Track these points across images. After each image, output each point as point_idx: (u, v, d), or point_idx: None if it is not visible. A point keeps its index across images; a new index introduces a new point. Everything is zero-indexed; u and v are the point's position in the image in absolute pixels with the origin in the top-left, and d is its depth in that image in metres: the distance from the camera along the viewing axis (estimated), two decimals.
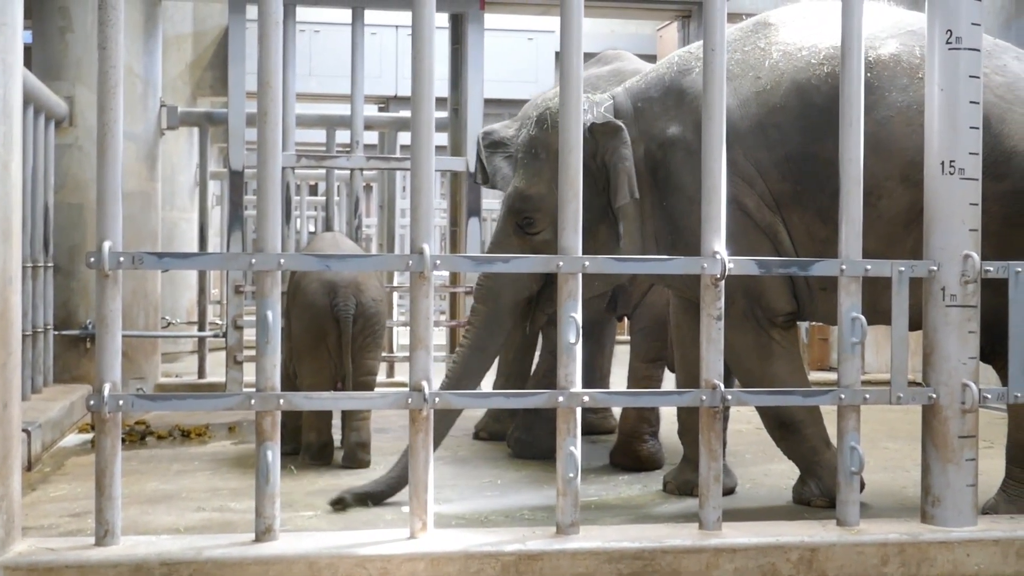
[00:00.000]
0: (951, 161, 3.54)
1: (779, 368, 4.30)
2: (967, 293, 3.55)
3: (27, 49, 7.01)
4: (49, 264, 6.47)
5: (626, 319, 5.96)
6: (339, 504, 4.31)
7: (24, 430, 4.86)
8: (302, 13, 7.67)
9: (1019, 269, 3.60)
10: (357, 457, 5.23)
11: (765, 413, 4.45)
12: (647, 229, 4.46)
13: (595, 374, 5.88)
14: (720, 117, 3.52)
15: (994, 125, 3.86)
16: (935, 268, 3.56)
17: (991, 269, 3.58)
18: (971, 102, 3.54)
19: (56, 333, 6.79)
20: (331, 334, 5.09)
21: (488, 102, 7.71)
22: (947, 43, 3.55)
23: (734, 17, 7.77)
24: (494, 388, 5.65)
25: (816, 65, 4.12)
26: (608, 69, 5.59)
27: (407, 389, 3.33)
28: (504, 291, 4.46)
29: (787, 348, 4.33)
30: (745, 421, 6.53)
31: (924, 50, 3.86)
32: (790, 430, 4.39)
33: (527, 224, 4.51)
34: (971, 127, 3.54)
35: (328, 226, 8.07)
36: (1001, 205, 3.85)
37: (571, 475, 3.37)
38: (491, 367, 4.71)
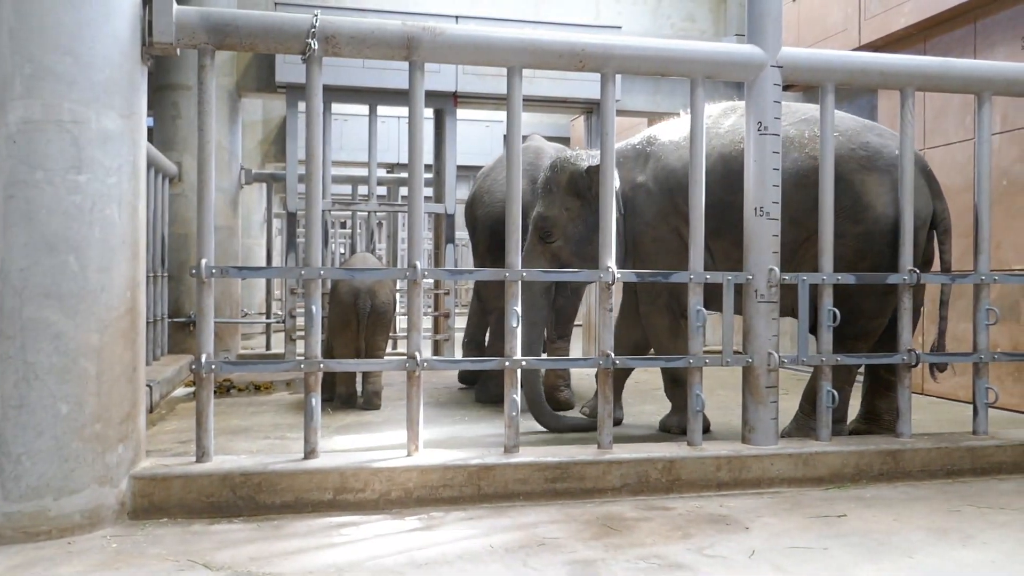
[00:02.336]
0: (761, 207, 3.57)
1: (681, 344, 4.24)
2: (771, 294, 3.59)
3: (150, 130, 6.98)
4: (164, 274, 6.40)
5: None
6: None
7: (148, 385, 4.80)
8: (336, 107, 7.64)
9: (804, 278, 3.64)
10: (372, 402, 5.24)
11: (665, 372, 4.52)
12: (619, 241, 4.37)
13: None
14: (611, 176, 3.53)
15: (857, 187, 3.81)
16: (751, 277, 3.60)
17: (786, 278, 3.62)
18: (773, 169, 3.57)
19: (169, 320, 6.72)
20: (354, 322, 5.09)
21: (459, 168, 7.73)
22: (758, 131, 3.59)
23: (622, 112, 7.89)
24: (463, 355, 5.66)
25: (736, 142, 4.00)
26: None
27: (406, 357, 3.33)
28: (535, 283, 4.39)
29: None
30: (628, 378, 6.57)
31: (812, 132, 3.88)
32: (678, 383, 4.42)
33: (546, 236, 4.48)
34: (773, 185, 3.57)
35: (353, 249, 8.05)
36: (856, 242, 3.83)
37: (513, 414, 3.38)
38: (544, 330, 4.68)
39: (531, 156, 5.45)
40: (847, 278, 3.67)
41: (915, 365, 3.74)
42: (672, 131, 4.39)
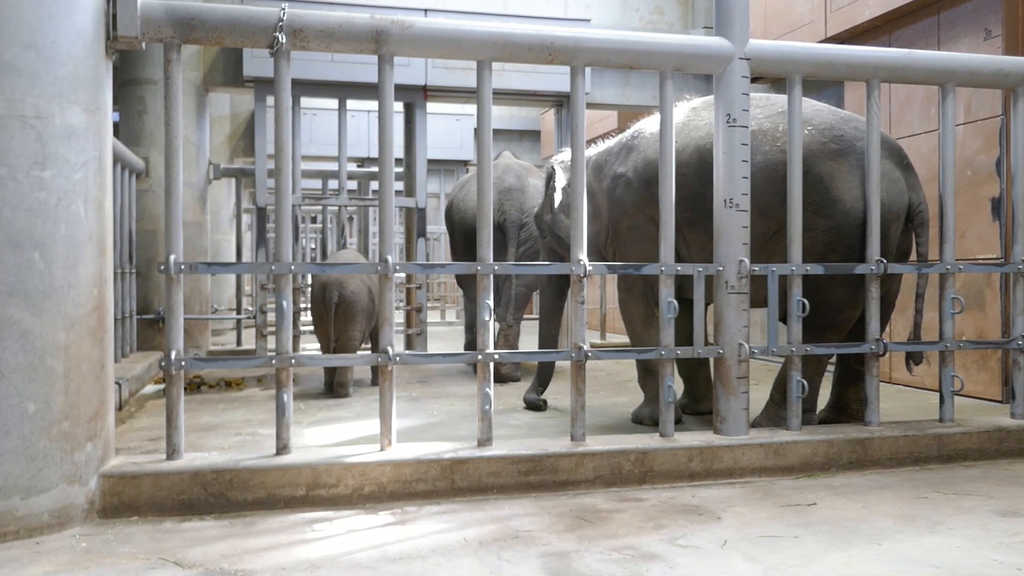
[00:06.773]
0: (731, 199, 3.59)
1: (653, 333, 4.27)
2: (741, 285, 3.61)
3: (116, 125, 6.89)
4: (132, 271, 6.33)
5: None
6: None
7: (116, 383, 4.76)
8: (305, 101, 7.61)
9: (774, 269, 3.67)
10: (342, 394, 5.34)
11: (639, 362, 4.56)
12: (596, 231, 4.59)
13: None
14: (581, 170, 3.53)
15: (826, 181, 3.80)
16: (721, 268, 3.62)
17: (756, 269, 3.64)
18: (742, 160, 3.59)
19: (138, 317, 6.65)
20: (324, 314, 5.20)
21: (430, 162, 7.73)
22: (727, 123, 3.60)
23: (592, 105, 7.90)
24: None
25: (711, 136, 3.97)
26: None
27: (377, 352, 3.31)
28: (542, 278, 5.10)
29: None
30: (600, 371, 6.59)
31: (786, 125, 3.82)
32: (651, 373, 4.45)
33: (542, 234, 5.08)
34: (743, 177, 3.58)
35: (324, 244, 8.01)
36: (825, 235, 3.82)
37: (487, 407, 3.37)
38: (559, 319, 5.08)
39: (499, 171, 6.44)
40: (815, 268, 3.70)
41: (883, 354, 3.78)
42: (656, 124, 4.41)
